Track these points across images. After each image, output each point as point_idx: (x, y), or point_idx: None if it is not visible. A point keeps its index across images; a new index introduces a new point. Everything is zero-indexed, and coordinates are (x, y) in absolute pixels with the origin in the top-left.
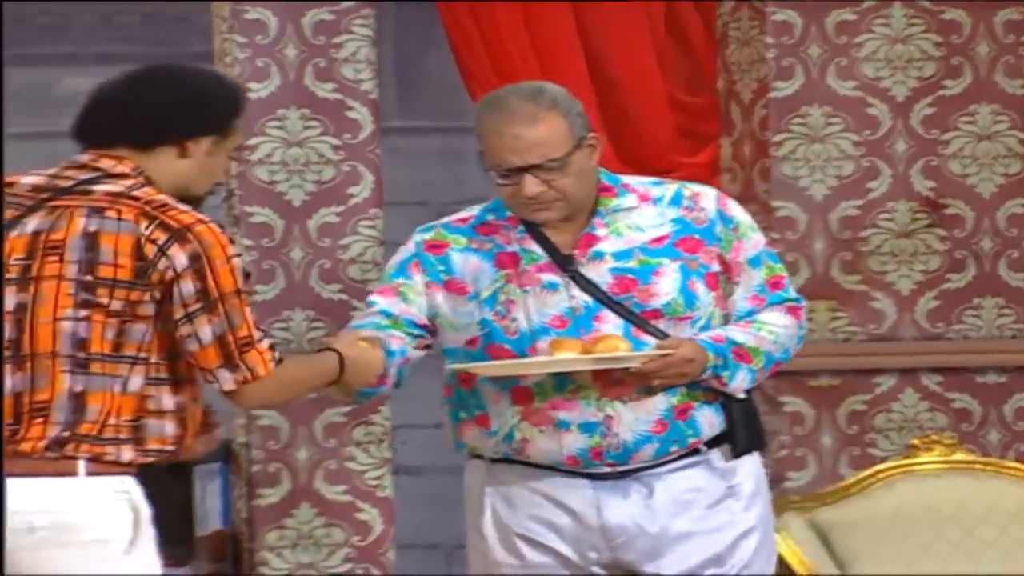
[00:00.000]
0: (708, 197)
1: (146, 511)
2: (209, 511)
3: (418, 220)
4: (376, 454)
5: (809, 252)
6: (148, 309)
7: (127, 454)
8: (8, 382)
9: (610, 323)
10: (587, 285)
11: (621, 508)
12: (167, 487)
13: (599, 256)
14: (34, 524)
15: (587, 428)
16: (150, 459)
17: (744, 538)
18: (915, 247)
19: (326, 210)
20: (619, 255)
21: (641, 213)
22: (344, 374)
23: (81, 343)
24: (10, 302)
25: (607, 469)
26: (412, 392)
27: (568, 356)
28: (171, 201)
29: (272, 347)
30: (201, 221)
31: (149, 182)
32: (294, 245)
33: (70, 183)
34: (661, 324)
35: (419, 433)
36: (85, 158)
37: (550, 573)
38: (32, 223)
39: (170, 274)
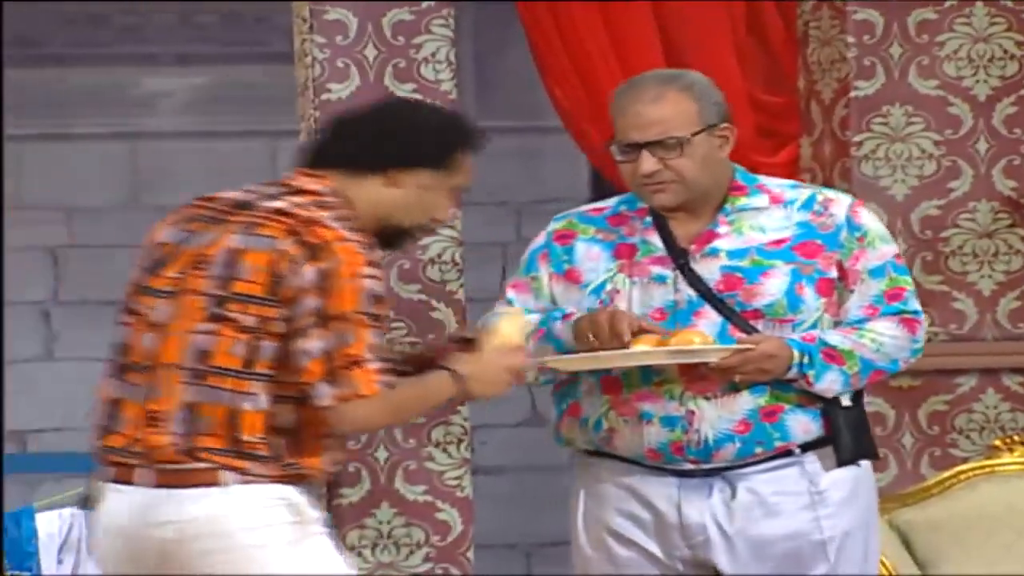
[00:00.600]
0: (841, 204)
1: (312, 513)
2: None
3: (497, 220)
4: (455, 454)
5: None
6: (279, 327)
7: (262, 470)
8: (126, 390)
9: (709, 319)
10: (694, 280)
11: (702, 507)
12: None
13: (713, 253)
14: (186, 532)
15: (668, 422)
16: (287, 475)
17: (828, 545)
18: (996, 247)
19: None
20: (733, 254)
21: (769, 215)
22: (465, 387)
23: (206, 356)
24: (156, 313)
25: (690, 466)
26: None
27: (643, 349)
28: (324, 218)
29: (383, 370)
30: (342, 238)
31: (340, 206)
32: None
33: (257, 199)
34: (760, 325)
35: (498, 433)
36: (287, 176)
37: (636, 571)
38: (200, 237)
39: (298, 290)
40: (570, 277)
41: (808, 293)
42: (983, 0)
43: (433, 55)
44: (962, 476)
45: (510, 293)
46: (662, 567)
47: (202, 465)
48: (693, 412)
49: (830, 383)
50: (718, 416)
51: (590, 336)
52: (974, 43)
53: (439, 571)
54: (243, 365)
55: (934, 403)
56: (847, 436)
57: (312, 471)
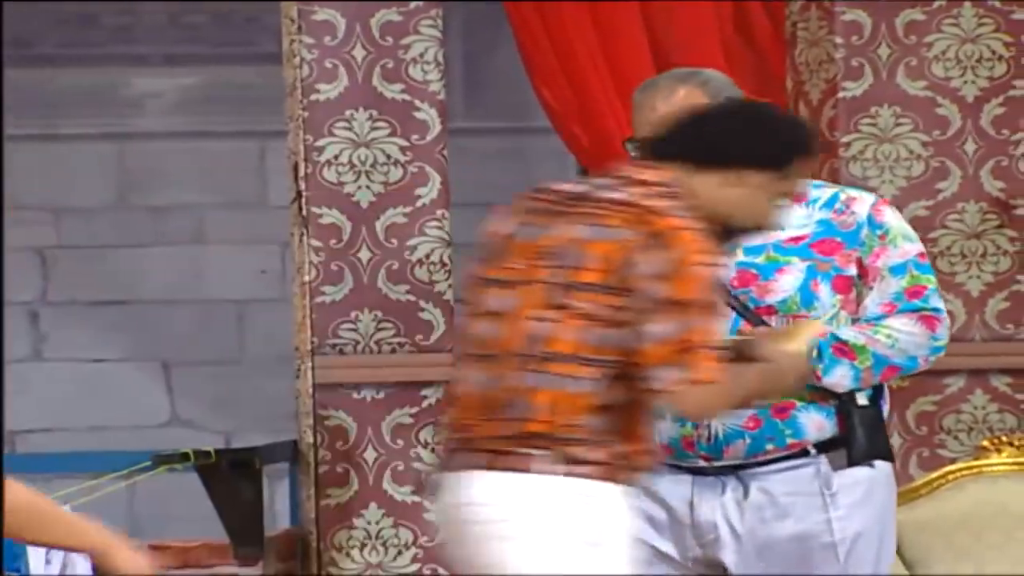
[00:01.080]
0: (863, 202)
1: (618, 521)
2: (278, 511)
3: (485, 221)
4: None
5: None
6: (623, 315)
7: (593, 456)
8: (472, 377)
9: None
10: None
11: (714, 504)
12: (237, 487)
13: (731, 249)
14: (480, 516)
15: (679, 417)
16: (616, 465)
17: (838, 548)
18: (985, 248)
19: (393, 211)
20: (750, 250)
21: (790, 212)
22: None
23: (546, 343)
24: (496, 303)
25: (703, 463)
26: None
27: None
28: (667, 207)
29: (720, 358)
30: (684, 227)
31: (681, 196)
32: (361, 246)
33: (593, 190)
34: (773, 321)
35: None
36: (629, 168)
37: (650, 569)
38: (542, 228)
39: (643, 277)
40: None
41: (823, 290)
42: (971, 1)
43: (421, 55)
44: (950, 477)
45: None
46: (676, 566)
47: (530, 451)
48: None
49: (840, 377)
50: (728, 412)
51: None
52: (962, 44)
53: (427, 571)
54: (583, 352)
55: (922, 403)
56: (861, 435)
57: (641, 461)
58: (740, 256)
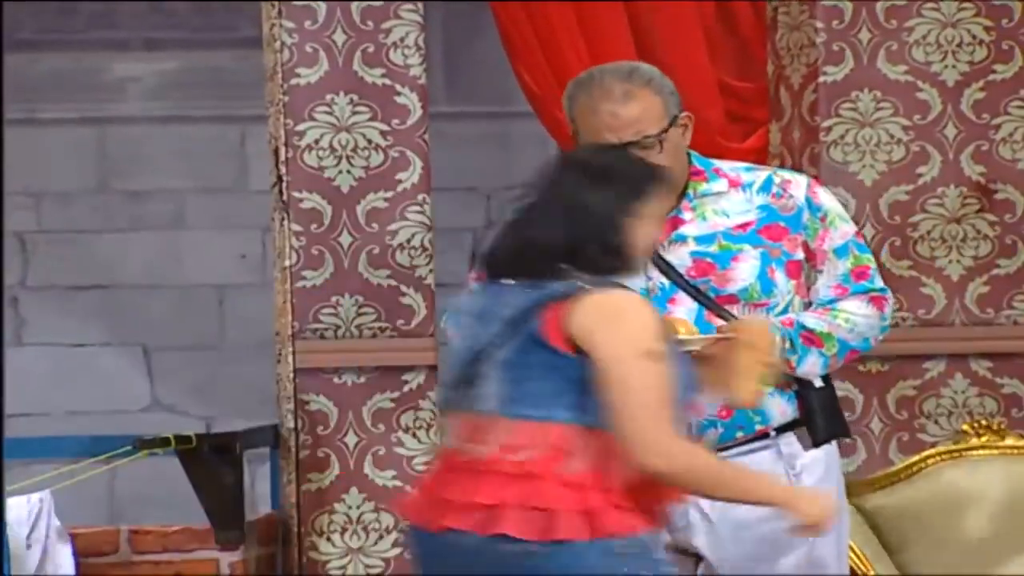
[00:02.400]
0: (799, 185)
1: None
2: (259, 496)
3: (466, 206)
4: (425, 439)
5: None
6: None
7: None
8: None
9: (684, 306)
10: (665, 267)
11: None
12: (217, 472)
13: (681, 239)
14: None
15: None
16: None
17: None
18: (965, 232)
19: (374, 196)
20: (701, 239)
21: (729, 199)
22: None
23: None
24: None
25: None
26: None
27: None
28: None
29: None
30: None
31: None
32: (342, 231)
33: None
34: (736, 310)
35: None
36: None
37: None
38: None
39: None
40: None
41: (779, 276)
42: None
43: (402, 40)
44: (930, 461)
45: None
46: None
47: None
48: None
49: (811, 366)
50: (701, 402)
51: None
52: (943, 28)
53: (409, 556)
54: None
55: (902, 388)
56: (821, 417)
57: None
58: (693, 246)
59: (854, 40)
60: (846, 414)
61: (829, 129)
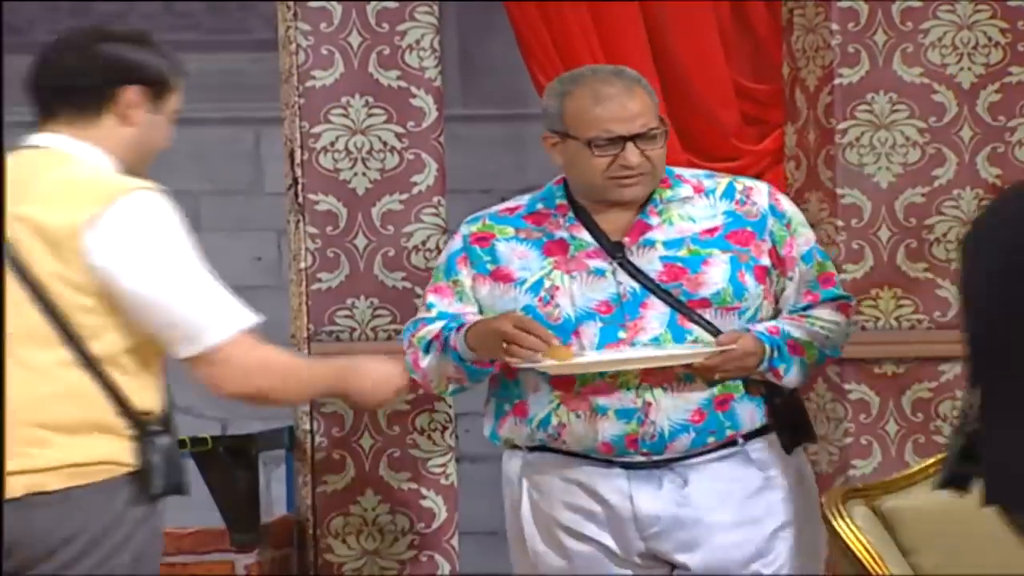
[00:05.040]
0: (760, 192)
1: None
2: (274, 497)
3: (481, 208)
4: (440, 442)
5: (874, 240)
6: None
7: None
8: None
9: (656, 310)
10: (635, 272)
11: (654, 498)
12: (233, 474)
13: (650, 244)
14: None
15: (624, 414)
16: None
17: (783, 530)
18: None
19: (389, 198)
20: (670, 244)
21: (694, 204)
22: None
23: None
24: None
25: (641, 458)
26: None
27: (631, 355)
28: None
29: None
30: None
31: None
32: (358, 233)
33: None
34: (708, 314)
35: (482, 421)
36: None
37: (592, 563)
38: None
39: None
40: (499, 277)
41: (749, 280)
42: None
43: (418, 42)
44: None
45: (431, 298)
46: (618, 561)
47: None
48: (650, 403)
49: (795, 375)
50: (674, 406)
51: (504, 346)
52: (958, 31)
53: (424, 558)
54: None
55: (918, 390)
56: (789, 422)
57: None
58: (662, 251)
59: (870, 42)
60: (861, 416)
61: (845, 131)
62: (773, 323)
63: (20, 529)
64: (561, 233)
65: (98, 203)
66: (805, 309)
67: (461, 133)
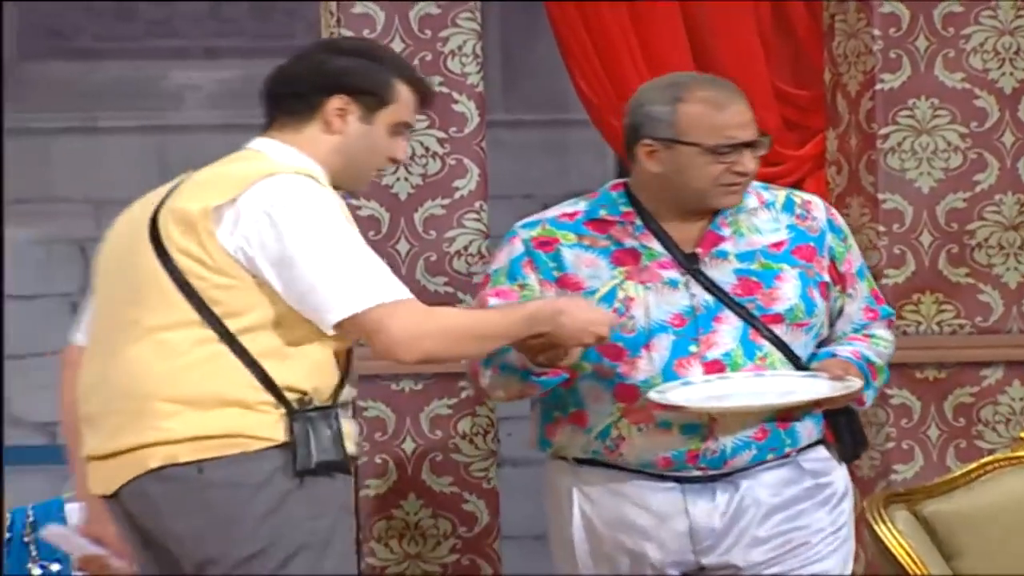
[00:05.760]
0: (818, 207)
1: None
2: None
3: (523, 213)
4: (482, 446)
5: (916, 245)
6: None
7: None
8: None
9: (729, 324)
10: (709, 284)
11: (710, 512)
12: None
13: (723, 255)
14: None
15: (689, 430)
16: None
17: (831, 536)
18: (1022, 240)
19: (432, 203)
20: (742, 256)
21: (759, 216)
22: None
23: None
24: None
25: (697, 473)
26: None
27: (770, 401)
28: None
29: None
30: None
31: None
32: (400, 238)
33: None
34: (779, 330)
35: (524, 425)
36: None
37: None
38: None
39: None
40: (566, 284)
41: (816, 297)
42: None
43: (460, 48)
44: (988, 467)
45: (493, 302)
46: (653, 568)
47: None
48: (716, 420)
49: (871, 398)
50: (740, 423)
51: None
52: (1000, 36)
53: (466, 562)
54: None
55: (960, 395)
56: (849, 436)
57: None
58: (735, 263)
59: (911, 47)
60: (903, 421)
61: (886, 136)
62: (851, 347)
63: (159, 499)
64: (631, 242)
65: (237, 188)
66: (865, 327)
67: (503, 138)
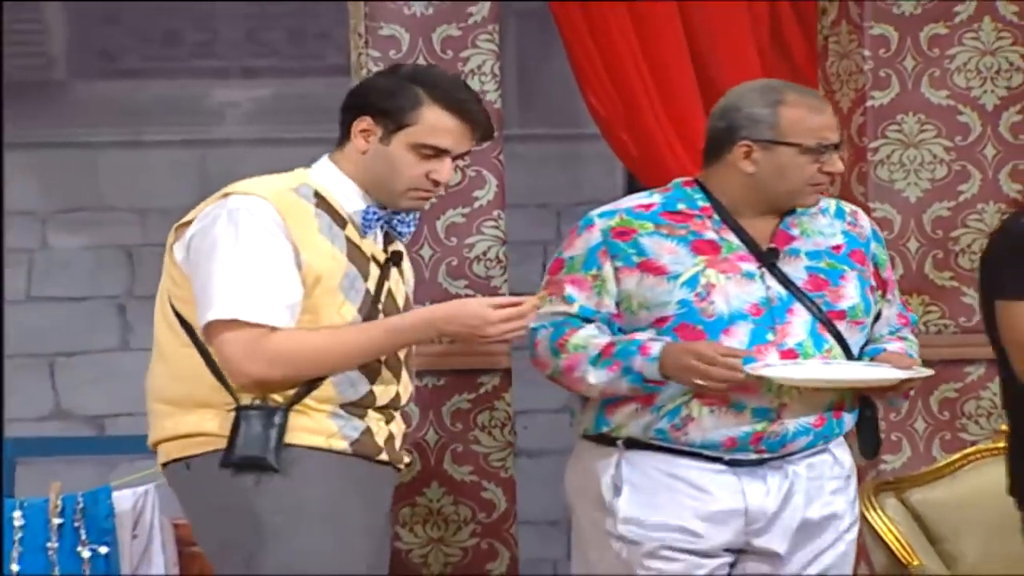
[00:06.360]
0: (863, 216)
1: None
2: None
3: (538, 221)
4: (500, 437)
5: (904, 250)
6: None
7: None
8: None
9: (801, 317)
10: (783, 278)
11: (764, 494)
12: None
13: (795, 253)
14: None
15: (759, 413)
16: None
17: (853, 526)
18: None
19: (453, 212)
20: (811, 255)
21: (819, 220)
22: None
23: None
24: None
25: (754, 456)
26: (533, 379)
27: (848, 373)
28: None
29: None
30: None
31: None
32: (424, 244)
33: None
34: (841, 326)
35: (539, 418)
36: None
37: (688, 560)
38: None
39: None
40: (648, 268)
41: (870, 298)
42: (991, 16)
43: (479, 67)
44: (971, 458)
45: (570, 290)
46: (709, 555)
47: None
48: (785, 405)
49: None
50: (805, 408)
51: (698, 381)
52: (982, 56)
53: (485, 546)
54: None
55: (945, 391)
56: (873, 432)
57: None
58: (806, 261)
59: (899, 67)
60: (891, 415)
61: (876, 150)
62: (896, 345)
63: (173, 490)
64: (710, 234)
65: (203, 208)
66: (899, 331)
67: (519, 151)
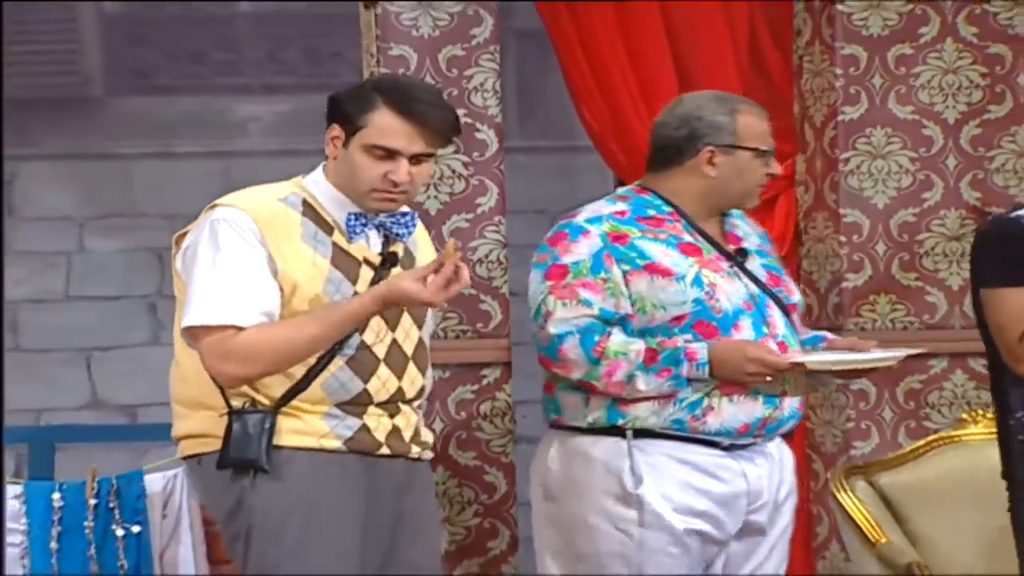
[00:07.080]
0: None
1: None
2: None
3: (536, 226)
4: (501, 425)
5: (872, 253)
6: None
7: None
8: None
9: (775, 311)
10: (752, 276)
11: (759, 475)
12: None
13: (749, 252)
14: None
15: (769, 400)
16: None
17: (793, 502)
18: (963, 248)
19: (457, 217)
20: (759, 253)
21: (742, 222)
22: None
23: None
24: None
25: (751, 440)
26: (532, 372)
27: (866, 355)
28: None
29: None
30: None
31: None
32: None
33: None
34: (793, 318)
35: (537, 408)
36: None
37: (698, 542)
38: None
39: None
40: (655, 271)
41: None
42: (952, 37)
43: (482, 85)
44: (934, 444)
45: (585, 294)
46: (724, 535)
47: None
48: (786, 391)
49: None
50: (798, 394)
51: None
52: (944, 74)
53: (487, 525)
54: None
55: (910, 382)
56: None
57: None
58: (759, 259)
59: (868, 84)
60: (861, 404)
61: (847, 160)
62: (823, 333)
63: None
64: (687, 237)
65: (198, 220)
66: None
67: (519, 162)
